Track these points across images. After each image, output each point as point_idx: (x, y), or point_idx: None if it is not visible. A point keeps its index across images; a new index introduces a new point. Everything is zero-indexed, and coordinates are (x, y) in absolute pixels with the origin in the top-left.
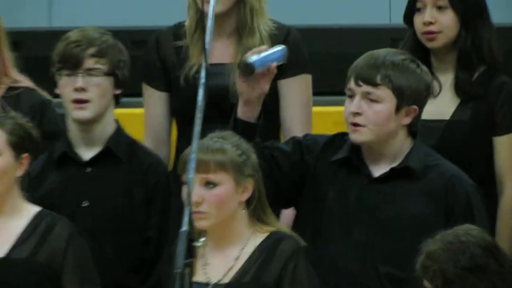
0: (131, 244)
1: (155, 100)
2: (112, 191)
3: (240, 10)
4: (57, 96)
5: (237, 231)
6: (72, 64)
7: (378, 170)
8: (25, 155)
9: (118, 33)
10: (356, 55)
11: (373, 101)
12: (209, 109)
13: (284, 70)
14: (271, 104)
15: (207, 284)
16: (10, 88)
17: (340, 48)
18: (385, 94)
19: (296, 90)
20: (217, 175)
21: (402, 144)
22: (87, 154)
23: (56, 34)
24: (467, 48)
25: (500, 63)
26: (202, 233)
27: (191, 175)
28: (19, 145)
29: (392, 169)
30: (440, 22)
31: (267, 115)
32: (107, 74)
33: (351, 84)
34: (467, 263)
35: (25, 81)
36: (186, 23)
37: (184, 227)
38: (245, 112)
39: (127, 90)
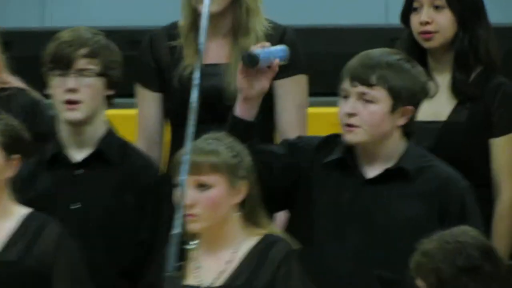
0: (123, 247)
1: (148, 101)
2: (104, 193)
3: (235, 10)
4: (48, 96)
5: (230, 234)
6: (64, 64)
7: (372, 171)
8: (16, 156)
9: (113, 33)
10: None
11: (368, 101)
12: (203, 110)
13: (280, 71)
14: (266, 105)
15: None
16: (1, 89)
17: (338, 48)
18: (381, 94)
19: (291, 91)
20: (210, 177)
21: (396, 145)
22: (78, 155)
23: (49, 34)
24: (464, 48)
25: (497, 64)
26: (194, 235)
27: (184, 177)
28: (9, 146)
29: (386, 170)
30: (437, 22)
31: (262, 116)
32: (99, 74)
33: (346, 84)
34: (463, 263)
35: (15, 82)
36: (180, 23)
37: (176, 230)
38: (244, 110)
39: (122, 91)
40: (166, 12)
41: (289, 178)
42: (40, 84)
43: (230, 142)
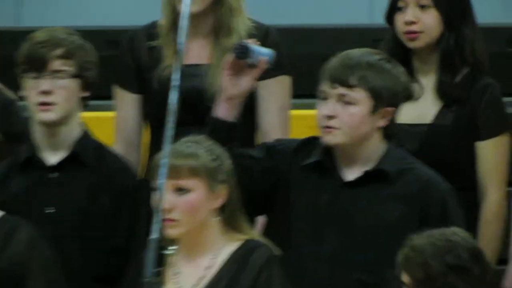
0: (98, 252)
1: (127, 103)
2: (78, 196)
3: (217, 9)
4: (22, 98)
5: (209, 239)
6: (38, 65)
7: (351, 174)
8: None
9: (91, 34)
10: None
11: (348, 103)
12: (184, 112)
13: (264, 72)
14: (248, 106)
15: None
16: None
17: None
18: (361, 96)
19: (275, 92)
20: (189, 181)
21: (376, 147)
22: (52, 158)
23: (24, 34)
24: (450, 48)
25: (484, 65)
26: (173, 241)
27: (162, 181)
28: None
29: (365, 173)
30: (422, 22)
31: (243, 117)
32: (74, 76)
33: (325, 86)
34: (453, 261)
35: None
36: (160, 22)
37: (154, 235)
38: (225, 110)
39: (100, 93)
40: (146, 11)
41: (268, 181)
42: (15, 84)
43: (209, 145)
